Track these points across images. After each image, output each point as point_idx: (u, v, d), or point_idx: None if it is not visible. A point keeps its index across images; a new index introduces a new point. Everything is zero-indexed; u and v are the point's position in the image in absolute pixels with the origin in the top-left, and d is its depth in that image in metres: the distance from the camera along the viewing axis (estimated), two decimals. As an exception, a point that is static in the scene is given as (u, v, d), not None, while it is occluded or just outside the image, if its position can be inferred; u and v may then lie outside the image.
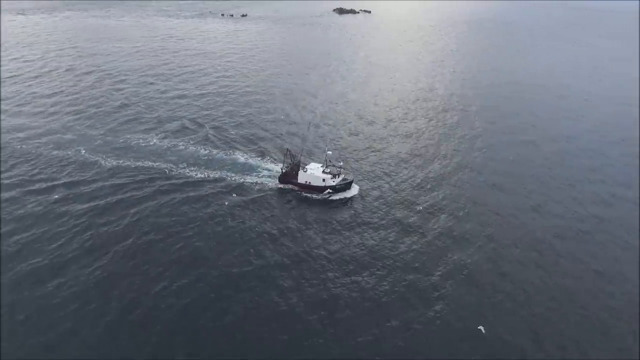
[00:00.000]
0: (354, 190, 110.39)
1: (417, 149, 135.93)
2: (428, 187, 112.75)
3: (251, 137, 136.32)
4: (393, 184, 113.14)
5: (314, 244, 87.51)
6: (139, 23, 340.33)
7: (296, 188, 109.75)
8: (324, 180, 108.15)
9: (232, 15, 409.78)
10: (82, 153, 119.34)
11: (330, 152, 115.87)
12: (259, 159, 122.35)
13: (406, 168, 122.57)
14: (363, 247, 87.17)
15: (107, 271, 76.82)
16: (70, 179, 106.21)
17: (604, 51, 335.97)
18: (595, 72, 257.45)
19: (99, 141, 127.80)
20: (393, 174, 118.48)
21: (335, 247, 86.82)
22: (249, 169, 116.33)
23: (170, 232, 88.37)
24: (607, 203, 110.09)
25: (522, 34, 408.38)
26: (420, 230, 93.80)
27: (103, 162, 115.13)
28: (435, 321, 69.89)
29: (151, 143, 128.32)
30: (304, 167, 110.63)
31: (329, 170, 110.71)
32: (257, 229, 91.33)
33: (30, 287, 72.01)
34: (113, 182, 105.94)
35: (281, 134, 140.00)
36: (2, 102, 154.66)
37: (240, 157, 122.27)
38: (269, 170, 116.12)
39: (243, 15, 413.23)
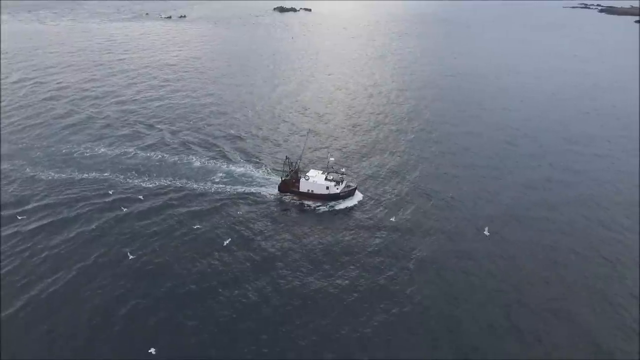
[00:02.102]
0: (358, 197, 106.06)
1: (378, 142, 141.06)
2: (405, 195, 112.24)
3: (208, 140, 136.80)
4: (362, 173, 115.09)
5: (332, 275, 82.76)
6: (75, 27, 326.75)
7: (296, 197, 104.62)
8: (327, 188, 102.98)
9: (170, 17, 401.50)
10: (26, 170, 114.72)
11: (332, 159, 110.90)
12: (222, 162, 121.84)
13: (365, 161, 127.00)
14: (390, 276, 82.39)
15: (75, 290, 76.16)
16: (15, 198, 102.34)
17: (539, 45, 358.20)
18: (531, 65, 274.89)
19: (52, 154, 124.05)
20: (355, 167, 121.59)
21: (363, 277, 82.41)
22: (205, 174, 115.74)
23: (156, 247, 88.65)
24: (545, 187, 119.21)
25: (462, 29, 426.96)
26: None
27: (51, 175, 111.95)
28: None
29: (98, 152, 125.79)
30: (304, 175, 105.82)
31: (331, 177, 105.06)
32: (270, 249, 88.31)
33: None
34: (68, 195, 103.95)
35: (240, 136, 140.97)
36: None
37: (197, 161, 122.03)
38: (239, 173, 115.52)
39: (181, 17, 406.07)
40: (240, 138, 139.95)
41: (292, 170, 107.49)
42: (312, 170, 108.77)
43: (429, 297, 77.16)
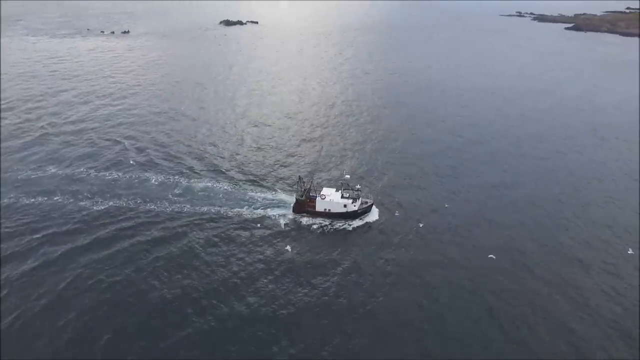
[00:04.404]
0: (375, 213, 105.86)
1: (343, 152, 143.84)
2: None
3: (173, 156, 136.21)
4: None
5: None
6: (11, 45, 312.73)
7: (311, 217, 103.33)
8: (345, 206, 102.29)
9: (113, 33, 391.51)
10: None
11: (348, 176, 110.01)
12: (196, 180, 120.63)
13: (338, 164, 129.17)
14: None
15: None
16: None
17: (482, 49, 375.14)
18: (477, 68, 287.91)
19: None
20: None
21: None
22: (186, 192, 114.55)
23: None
24: (507, 185, 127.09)
25: (411, 36, 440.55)
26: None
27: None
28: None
29: (48, 173, 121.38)
30: (320, 194, 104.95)
31: (347, 194, 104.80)
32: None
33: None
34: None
35: (209, 152, 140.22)
36: None
37: (156, 179, 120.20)
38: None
39: (125, 32, 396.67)
40: (209, 154, 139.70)
41: (304, 190, 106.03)
42: (325, 189, 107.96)
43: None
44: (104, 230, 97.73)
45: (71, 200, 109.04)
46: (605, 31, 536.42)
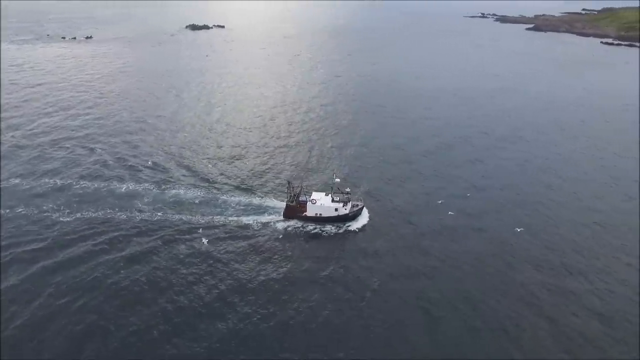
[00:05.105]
0: (365, 216, 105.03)
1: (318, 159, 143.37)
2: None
3: (156, 165, 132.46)
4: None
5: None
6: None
7: (301, 222, 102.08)
8: (336, 209, 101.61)
9: (75, 38, 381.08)
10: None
11: (338, 180, 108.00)
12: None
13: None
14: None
15: None
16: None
17: (447, 50, 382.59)
18: (443, 69, 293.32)
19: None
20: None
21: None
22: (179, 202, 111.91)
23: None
24: (476, 186, 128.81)
25: (377, 38, 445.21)
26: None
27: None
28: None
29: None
30: (311, 199, 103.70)
31: (337, 198, 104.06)
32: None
33: None
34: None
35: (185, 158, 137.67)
36: None
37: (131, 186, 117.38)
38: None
39: (88, 37, 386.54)
40: (189, 161, 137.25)
41: (293, 195, 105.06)
42: (315, 193, 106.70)
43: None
44: (73, 247, 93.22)
45: (35, 212, 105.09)
46: (563, 31, 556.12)
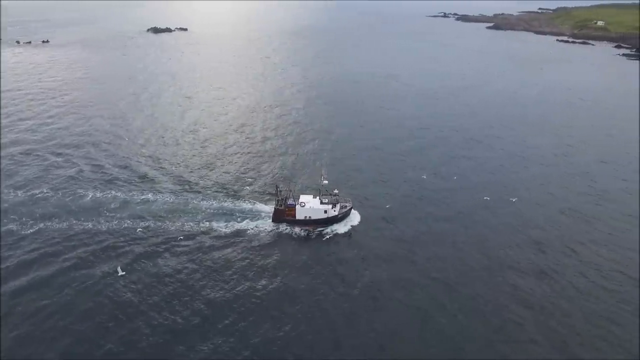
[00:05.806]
0: (354, 216, 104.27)
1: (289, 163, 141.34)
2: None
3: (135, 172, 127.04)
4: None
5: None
6: None
7: (290, 225, 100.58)
8: (325, 212, 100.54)
9: (30, 42, 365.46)
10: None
11: (326, 182, 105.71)
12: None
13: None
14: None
15: None
16: None
17: (411, 49, 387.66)
18: (410, 68, 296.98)
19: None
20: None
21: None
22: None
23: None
24: (443, 176, 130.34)
25: (341, 39, 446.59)
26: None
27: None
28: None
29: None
30: (300, 202, 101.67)
31: (326, 200, 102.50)
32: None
33: None
34: None
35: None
36: None
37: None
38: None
39: (44, 42, 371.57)
40: (164, 167, 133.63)
41: (281, 199, 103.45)
42: (302, 196, 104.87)
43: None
44: (40, 265, 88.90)
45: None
46: (521, 29, 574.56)
